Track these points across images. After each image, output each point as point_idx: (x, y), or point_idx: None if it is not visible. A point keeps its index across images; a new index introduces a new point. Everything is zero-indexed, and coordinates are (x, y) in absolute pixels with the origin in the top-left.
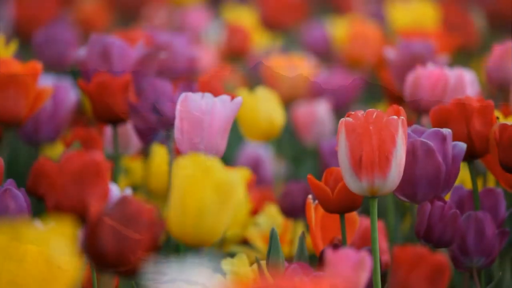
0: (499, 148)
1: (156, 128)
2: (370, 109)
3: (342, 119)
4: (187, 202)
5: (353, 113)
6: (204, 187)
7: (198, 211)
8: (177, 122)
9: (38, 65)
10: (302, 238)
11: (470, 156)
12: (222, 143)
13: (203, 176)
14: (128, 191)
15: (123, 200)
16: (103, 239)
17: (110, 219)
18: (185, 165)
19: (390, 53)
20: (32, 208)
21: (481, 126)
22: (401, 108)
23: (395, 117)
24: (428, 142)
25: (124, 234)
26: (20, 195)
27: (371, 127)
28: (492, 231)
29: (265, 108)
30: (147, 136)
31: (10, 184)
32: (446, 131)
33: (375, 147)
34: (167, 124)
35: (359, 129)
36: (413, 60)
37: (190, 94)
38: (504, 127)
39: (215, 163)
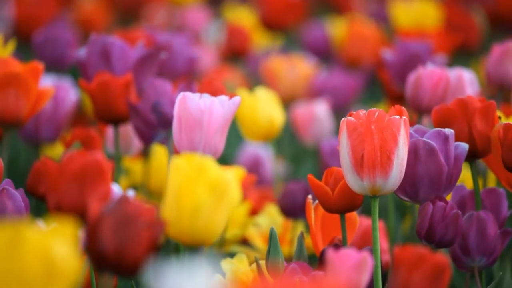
0: (503, 148)
1: (156, 128)
2: (372, 109)
3: (344, 118)
4: (182, 201)
5: (354, 112)
6: (198, 186)
7: (193, 210)
8: (175, 122)
9: (39, 65)
10: (301, 238)
11: (472, 156)
12: (220, 143)
13: (197, 175)
14: (130, 192)
15: (123, 200)
16: (102, 239)
17: (110, 219)
18: (180, 165)
19: (387, 54)
20: (32, 208)
21: (483, 126)
22: (403, 108)
23: (397, 116)
24: (431, 142)
25: (124, 234)
26: (17, 195)
27: (373, 127)
28: (494, 231)
29: (265, 108)
30: (148, 136)
31: (7, 184)
32: (449, 131)
33: (376, 147)
34: (167, 124)
35: (361, 128)
36: (411, 60)
37: (188, 94)
38: (508, 127)
39: (209, 162)
